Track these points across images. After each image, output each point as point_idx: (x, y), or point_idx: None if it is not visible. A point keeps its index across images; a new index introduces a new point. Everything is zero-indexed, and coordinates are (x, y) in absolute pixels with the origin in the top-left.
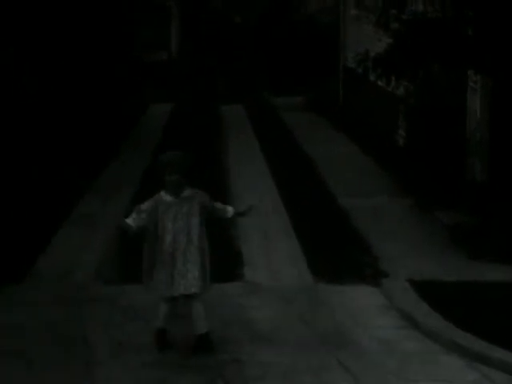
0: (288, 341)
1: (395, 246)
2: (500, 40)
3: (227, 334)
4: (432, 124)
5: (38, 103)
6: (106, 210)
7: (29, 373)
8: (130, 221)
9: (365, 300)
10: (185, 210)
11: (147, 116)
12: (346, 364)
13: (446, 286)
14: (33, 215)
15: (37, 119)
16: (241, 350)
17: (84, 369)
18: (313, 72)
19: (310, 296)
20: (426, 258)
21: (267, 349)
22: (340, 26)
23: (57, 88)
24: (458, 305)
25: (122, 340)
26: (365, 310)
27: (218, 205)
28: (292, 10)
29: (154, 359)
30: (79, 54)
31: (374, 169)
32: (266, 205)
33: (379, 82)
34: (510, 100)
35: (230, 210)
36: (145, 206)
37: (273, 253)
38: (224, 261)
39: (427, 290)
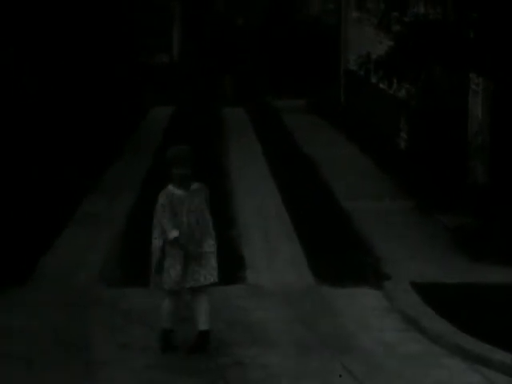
0: (290, 343)
1: (397, 248)
2: (502, 43)
3: (229, 337)
4: (434, 127)
5: (40, 104)
6: (109, 212)
7: (30, 375)
8: (174, 231)
9: (367, 302)
10: (196, 202)
11: (148, 119)
12: (348, 366)
13: (449, 288)
14: (36, 216)
15: (39, 120)
16: (243, 353)
17: (85, 371)
18: (314, 74)
19: (312, 299)
20: (428, 260)
21: (269, 351)
22: (341, 29)
23: (57, 89)
24: (461, 307)
25: (123, 342)
26: (367, 313)
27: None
28: (294, 12)
29: (156, 362)
30: (79, 55)
31: (375, 171)
32: (268, 207)
33: (381, 85)
34: (511, 102)
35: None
36: (164, 202)
37: (275, 255)
38: (226, 263)
39: (429, 293)
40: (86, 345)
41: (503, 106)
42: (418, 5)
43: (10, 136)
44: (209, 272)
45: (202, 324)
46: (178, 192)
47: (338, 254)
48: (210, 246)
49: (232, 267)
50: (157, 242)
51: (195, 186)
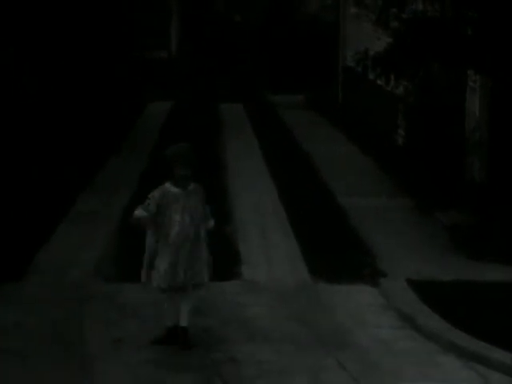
0: (285, 340)
1: (394, 246)
2: (500, 40)
3: (225, 333)
4: (431, 123)
5: (37, 102)
6: (105, 208)
7: (26, 370)
8: (140, 211)
9: (363, 300)
10: (192, 202)
11: (146, 114)
12: (343, 364)
13: (445, 285)
14: (32, 213)
15: (35, 118)
16: (238, 349)
17: (80, 366)
18: (313, 71)
19: (308, 295)
20: (425, 258)
21: (265, 348)
22: (340, 25)
23: (55, 87)
24: (457, 305)
25: (118, 337)
26: (363, 310)
27: (208, 209)
28: (293, 8)
29: (151, 357)
30: (76, 51)
31: (373, 168)
32: (265, 203)
33: (378, 81)
34: (509, 100)
35: (211, 222)
36: (156, 195)
37: (271, 252)
38: (222, 259)
39: (426, 290)
40: (82, 340)
41: (501, 103)
42: (417, 1)
43: (8, 134)
44: (199, 272)
45: (182, 321)
46: (174, 190)
47: (335, 251)
48: (200, 246)
49: (228, 263)
50: (151, 239)
51: (192, 186)
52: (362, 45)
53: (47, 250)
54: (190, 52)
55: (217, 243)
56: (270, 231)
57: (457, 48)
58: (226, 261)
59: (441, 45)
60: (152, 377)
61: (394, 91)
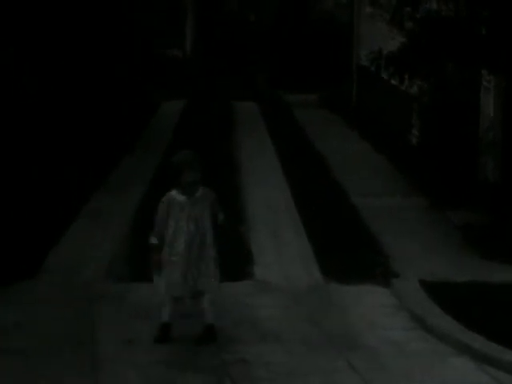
0: (296, 341)
1: (407, 246)
2: None
3: (236, 334)
4: (445, 123)
5: (50, 101)
6: (117, 207)
7: (33, 369)
8: (153, 239)
9: (375, 300)
10: (198, 210)
11: (159, 113)
12: (354, 365)
13: (458, 286)
14: (44, 211)
15: (49, 117)
16: (249, 350)
17: (92, 367)
18: (327, 70)
19: (319, 296)
20: (438, 258)
21: (276, 349)
22: (354, 24)
23: (68, 86)
24: (470, 306)
25: (130, 338)
26: (375, 311)
27: (219, 207)
28: (307, 7)
29: (162, 358)
30: (91, 51)
31: (387, 168)
32: (277, 202)
33: (392, 81)
34: None
35: (221, 217)
36: (163, 207)
37: (283, 252)
38: (234, 259)
39: (438, 291)
40: (92, 340)
41: None
42: (431, 1)
43: (19, 132)
44: (207, 280)
45: (207, 319)
46: (180, 198)
47: (347, 251)
48: (206, 255)
49: (240, 263)
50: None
51: (200, 192)
52: (377, 44)
53: (59, 249)
54: (205, 51)
55: (229, 243)
56: (283, 230)
57: (471, 47)
58: (237, 261)
59: (455, 44)
60: (163, 377)
61: (408, 91)
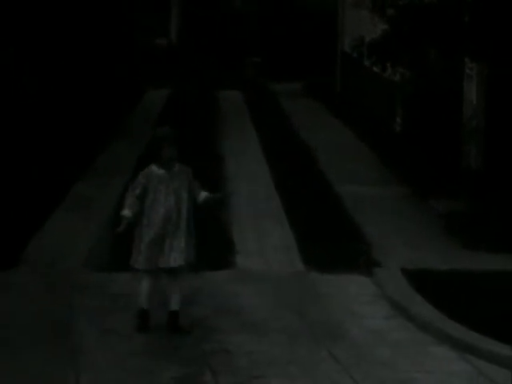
0: (278, 330)
1: (389, 234)
2: (496, 27)
3: (216, 323)
4: (428, 111)
5: (32, 89)
6: (99, 196)
7: (13, 359)
8: (126, 211)
9: (356, 289)
10: (176, 184)
11: (145, 101)
12: (335, 354)
13: (439, 275)
14: (26, 200)
15: (30, 104)
16: (230, 340)
17: (70, 357)
18: (312, 58)
19: (301, 285)
20: (420, 247)
21: (256, 338)
22: (339, 12)
23: (51, 73)
24: (451, 295)
25: (109, 328)
26: (356, 300)
27: (197, 184)
28: None
29: (141, 348)
30: (74, 37)
31: (370, 156)
32: (260, 191)
33: (375, 69)
34: (505, 87)
35: (203, 193)
36: (138, 188)
37: (265, 241)
38: (216, 248)
39: (420, 280)
40: (72, 330)
41: (497, 90)
42: None
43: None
44: (179, 254)
45: (172, 304)
46: (160, 172)
47: (330, 240)
48: (181, 228)
49: (222, 252)
50: (137, 222)
51: (177, 167)
52: (362, 32)
53: (40, 238)
54: (190, 40)
55: (211, 232)
56: (265, 219)
57: (453, 35)
58: (219, 250)
59: (437, 31)
60: (140, 367)
61: (391, 78)
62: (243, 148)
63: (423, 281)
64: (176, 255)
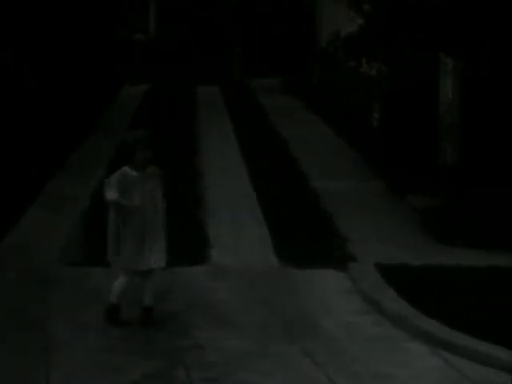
0: (251, 325)
1: (365, 229)
2: (471, 21)
3: (190, 318)
4: (404, 106)
5: (7, 83)
6: (74, 191)
7: None
8: (110, 194)
9: (331, 284)
10: (150, 185)
11: (123, 95)
12: (309, 349)
13: (414, 270)
14: (1, 194)
15: (2, 101)
16: (203, 335)
17: (42, 352)
18: (290, 54)
19: (276, 280)
20: (395, 242)
21: (230, 334)
22: (317, 7)
23: (24, 67)
24: (425, 290)
25: (82, 323)
26: (330, 295)
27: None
28: None
29: (115, 343)
30: (50, 35)
31: (347, 151)
32: (236, 187)
33: (351, 64)
34: (480, 82)
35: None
36: (114, 181)
37: (240, 236)
38: (190, 243)
39: (394, 275)
40: (44, 324)
41: (473, 86)
42: None
43: None
44: (159, 256)
45: (146, 300)
46: (133, 174)
47: (305, 235)
48: (158, 229)
49: (197, 247)
50: (112, 221)
51: (149, 169)
52: (340, 28)
53: (15, 233)
54: (169, 34)
55: (185, 227)
56: (241, 215)
57: (428, 30)
58: (194, 245)
59: (412, 27)
60: (111, 363)
61: (368, 73)
62: (220, 145)
63: (397, 276)
64: (156, 257)
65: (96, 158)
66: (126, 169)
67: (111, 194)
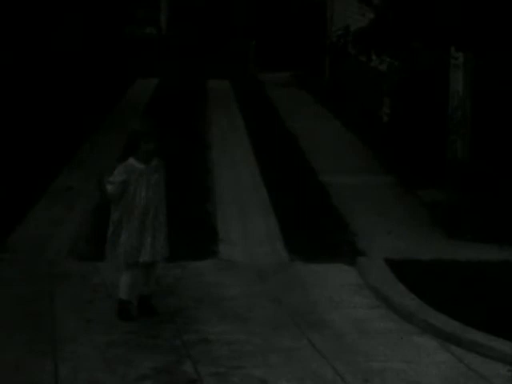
0: (260, 320)
1: (374, 224)
2: (481, 15)
3: (198, 313)
4: (414, 101)
5: (17, 75)
6: (84, 185)
7: None
8: (111, 187)
9: (340, 279)
10: (155, 177)
11: (134, 90)
12: (317, 344)
13: (423, 264)
14: (9, 189)
15: (13, 95)
16: (210, 330)
17: (49, 347)
18: (302, 48)
19: (284, 274)
20: (405, 236)
21: (238, 328)
22: (328, 1)
23: (34, 62)
24: (434, 284)
25: (90, 318)
26: (339, 289)
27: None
28: None
29: (122, 338)
30: (60, 29)
31: (357, 146)
32: (246, 180)
33: (361, 58)
34: (491, 77)
35: None
36: (118, 176)
37: (249, 230)
38: (199, 237)
39: (403, 269)
40: (53, 319)
41: (484, 81)
42: None
43: None
44: (161, 247)
45: (145, 290)
46: (139, 166)
47: (314, 229)
48: (161, 222)
49: (205, 241)
50: (115, 215)
51: (155, 161)
52: (350, 22)
53: (23, 227)
54: (180, 29)
55: (194, 221)
56: (250, 208)
57: (438, 24)
58: (202, 239)
59: (422, 21)
60: (119, 357)
61: (379, 68)
62: (230, 137)
63: (406, 270)
64: (159, 249)
65: (105, 152)
66: (130, 161)
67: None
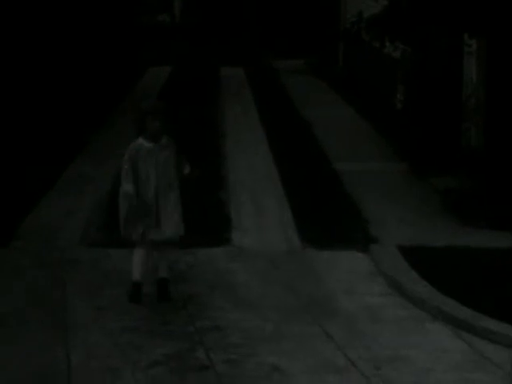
0: (272, 307)
1: (387, 211)
2: (495, 2)
3: (210, 300)
4: (428, 88)
5: (28, 62)
6: (95, 173)
7: (5, 336)
8: (129, 186)
9: (353, 266)
10: (165, 156)
11: (146, 78)
12: (330, 331)
13: (436, 251)
14: (20, 178)
15: (25, 83)
16: (223, 316)
17: (61, 333)
18: (315, 35)
19: (297, 262)
20: (418, 223)
21: (250, 315)
22: None
23: (48, 50)
24: (447, 271)
25: (102, 304)
26: (352, 276)
27: (183, 157)
28: None
29: (134, 324)
30: (74, 17)
31: (371, 133)
32: (259, 167)
33: (374, 44)
34: (505, 64)
35: (187, 167)
36: (128, 162)
37: (262, 217)
38: (212, 225)
39: (416, 256)
40: (64, 306)
41: (498, 68)
42: None
43: None
44: (173, 226)
45: (161, 272)
46: (148, 145)
47: (327, 217)
48: (174, 199)
49: (218, 228)
50: (127, 192)
51: (164, 139)
52: (364, 9)
53: (35, 215)
54: (193, 15)
55: (207, 208)
56: (263, 196)
57: (451, 10)
58: (215, 226)
59: (435, 7)
60: (131, 344)
61: (393, 55)
62: (244, 125)
63: (419, 257)
64: (170, 227)
65: (118, 139)
66: (139, 140)
67: (127, 186)
